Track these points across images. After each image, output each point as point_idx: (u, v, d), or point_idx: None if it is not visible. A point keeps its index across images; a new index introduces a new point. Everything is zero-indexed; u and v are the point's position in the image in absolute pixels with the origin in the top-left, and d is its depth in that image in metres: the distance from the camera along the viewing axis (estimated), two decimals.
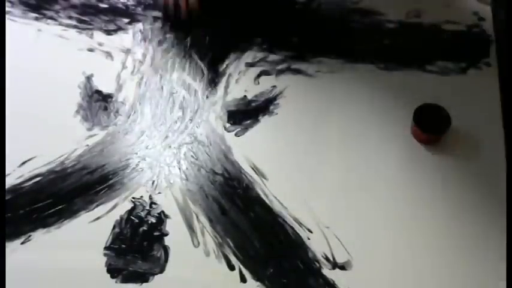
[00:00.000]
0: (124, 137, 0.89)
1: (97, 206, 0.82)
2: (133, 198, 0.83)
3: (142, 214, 0.81)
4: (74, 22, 1.03)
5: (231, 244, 0.78)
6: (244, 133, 0.89)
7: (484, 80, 0.92)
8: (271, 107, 0.91)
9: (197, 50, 0.98)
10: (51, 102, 0.93)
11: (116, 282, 0.76)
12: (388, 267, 0.76)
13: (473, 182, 0.82)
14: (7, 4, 1.04)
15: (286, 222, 0.80)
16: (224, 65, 0.97)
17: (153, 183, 0.84)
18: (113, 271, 0.77)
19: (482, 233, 0.78)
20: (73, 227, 0.80)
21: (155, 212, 0.82)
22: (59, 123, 0.90)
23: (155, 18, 1.02)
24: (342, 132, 0.88)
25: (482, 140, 0.85)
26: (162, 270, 0.77)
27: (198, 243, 0.79)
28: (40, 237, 0.80)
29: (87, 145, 0.88)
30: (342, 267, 0.76)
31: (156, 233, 0.80)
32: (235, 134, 0.89)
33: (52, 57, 0.98)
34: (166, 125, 0.90)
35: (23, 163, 0.86)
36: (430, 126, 0.83)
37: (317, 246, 0.78)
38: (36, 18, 1.03)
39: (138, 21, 1.02)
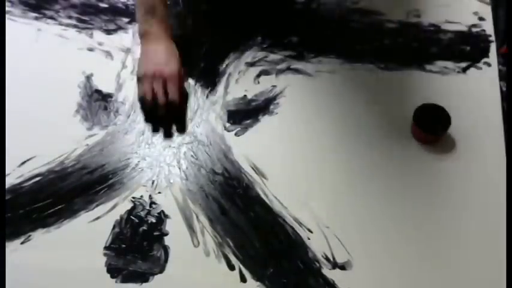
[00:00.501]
0: (124, 137, 0.89)
1: (97, 205, 0.82)
2: (133, 198, 0.83)
3: (142, 214, 0.81)
4: (73, 22, 1.03)
5: (231, 244, 0.78)
6: (244, 133, 0.89)
7: (484, 80, 0.92)
8: (271, 107, 0.91)
9: (197, 50, 0.98)
10: (51, 101, 0.93)
11: (115, 282, 0.76)
12: (388, 267, 0.76)
13: (473, 182, 0.82)
14: (7, 4, 1.04)
15: (286, 222, 0.80)
16: (224, 65, 0.97)
17: (153, 183, 0.84)
18: (112, 271, 0.77)
19: (482, 233, 0.78)
20: (73, 227, 0.80)
21: (155, 212, 0.81)
22: (59, 122, 0.90)
23: None
24: (342, 132, 0.88)
25: (482, 140, 0.85)
26: (162, 270, 0.77)
27: (198, 243, 0.79)
28: (40, 237, 0.79)
29: (87, 145, 0.88)
30: (342, 267, 0.76)
31: (156, 233, 0.80)
32: (235, 134, 0.89)
33: (52, 56, 0.98)
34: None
35: (23, 163, 0.86)
36: (430, 126, 0.83)
37: (317, 246, 0.78)
38: (36, 18, 1.03)
39: None
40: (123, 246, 0.79)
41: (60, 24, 1.02)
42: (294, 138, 0.88)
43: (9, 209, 0.81)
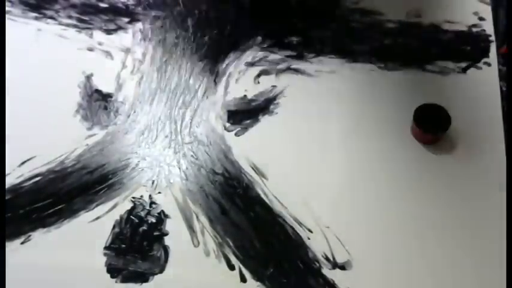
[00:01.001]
0: (124, 137, 0.89)
1: (97, 205, 0.82)
2: (133, 197, 0.83)
3: (142, 214, 0.81)
4: (73, 21, 1.03)
5: (231, 244, 0.78)
6: (244, 133, 0.89)
7: (484, 80, 0.92)
8: (271, 107, 0.91)
9: (197, 50, 0.98)
10: (51, 101, 0.93)
11: (115, 282, 0.76)
12: (388, 267, 0.76)
13: (473, 182, 0.82)
14: (7, 4, 1.04)
15: (286, 222, 0.80)
16: (224, 65, 0.97)
17: (153, 182, 0.84)
18: (112, 271, 0.77)
19: (482, 233, 0.78)
20: (73, 226, 0.80)
21: (155, 212, 0.81)
22: (59, 122, 0.90)
23: (155, 18, 1.02)
24: (342, 132, 0.88)
25: (482, 140, 0.85)
26: (162, 270, 0.77)
27: (198, 243, 0.79)
28: (40, 237, 0.80)
29: (87, 145, 0.88)
30: (342, 267, 0.76)
31: (156, 233, 0.80)
32: (235, 134, 0.89)
33: (52, 56, 0.98)
34: (166, 124, 0.90)
35: (23, 163, 0.86)
36: (430, 126, 0.83)
37: (317, 246, 0.78)
38: (36, 18, 1.03)
39: (138, 20, 1.02)
40: (123, 246, 0.79)
41: (60, 24, 1.02)
42: (294, 138, 0.88)
43: (9, 209, 0.81)
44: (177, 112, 0.92)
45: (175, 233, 0.80)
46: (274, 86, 0.93)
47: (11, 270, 0.74)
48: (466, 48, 0.96)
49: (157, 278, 0.76)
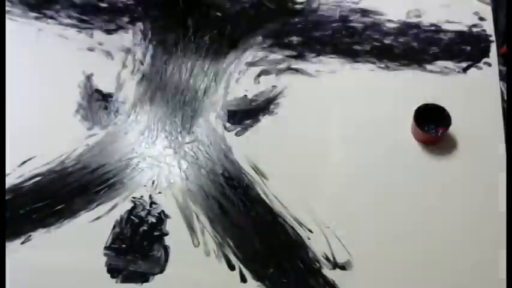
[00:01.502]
0: (124, 137, 0.89)
1: (97, 205, 0.82)
2: (133, 197, 0.83)
3: (143, 214, 0.81)
4: (74, 21, 1.02)
5: (231, 244, 0.78)
6: (245, 133, 0.89)
7: (484, 80, 0.92)
8: (272, 107, 0.91)
9: (197, 50, 0.98)
10: (51, 101, 0.92)
11: (116, 282, 0.76)
12: (388, 267, 0.76)
13: (473, 182, 0.82)
14: (7, 3, 1.04)
15: (286, 222, 0.80)
16: (224, 65, 0.97)
17: (153, 183, 0.84)
18: (113, 271, 0.77)
19: (482, 233, 0.78)
20: (73, 227, 0.80)
21: (155, 212, 0.81)
22: (59, 122, 0.90)
23: (155, 18, 1.02)
24: (342, 132, 0.88)
25: (482, 140, 0.85)
26: (162, 270, 0.77)
27: (198, 243, 0.79)
28: (40, 237, 0.80)
29: (87, 144, 0.88)
30: (342, 267, 0.76)
31: (156, 233, 0.80)
32: (236, 134, 0.89)
33: (52, 56, 0.98)
34: (167, 124, 0.90)
35: (23, 163, 0.86)
36: (430, 126, 0.83)
37: (317, 246, 0.78)
38: (36, 18, 1.03)
39: (138, 20, 1.02)
40: (124, 246, 0.79)
41: (60, 24, 1.02)
42: (294, 138, 0.88)
43: (9, 209, 0.81)
44: (177, 112, 0.92)
45: (176, 233, 0.80)
46: (274, 86, 0.93)
47: (11, 270, 0.74)
48: (466, 48, 0.96)
49: (157, 278, 0.76)
